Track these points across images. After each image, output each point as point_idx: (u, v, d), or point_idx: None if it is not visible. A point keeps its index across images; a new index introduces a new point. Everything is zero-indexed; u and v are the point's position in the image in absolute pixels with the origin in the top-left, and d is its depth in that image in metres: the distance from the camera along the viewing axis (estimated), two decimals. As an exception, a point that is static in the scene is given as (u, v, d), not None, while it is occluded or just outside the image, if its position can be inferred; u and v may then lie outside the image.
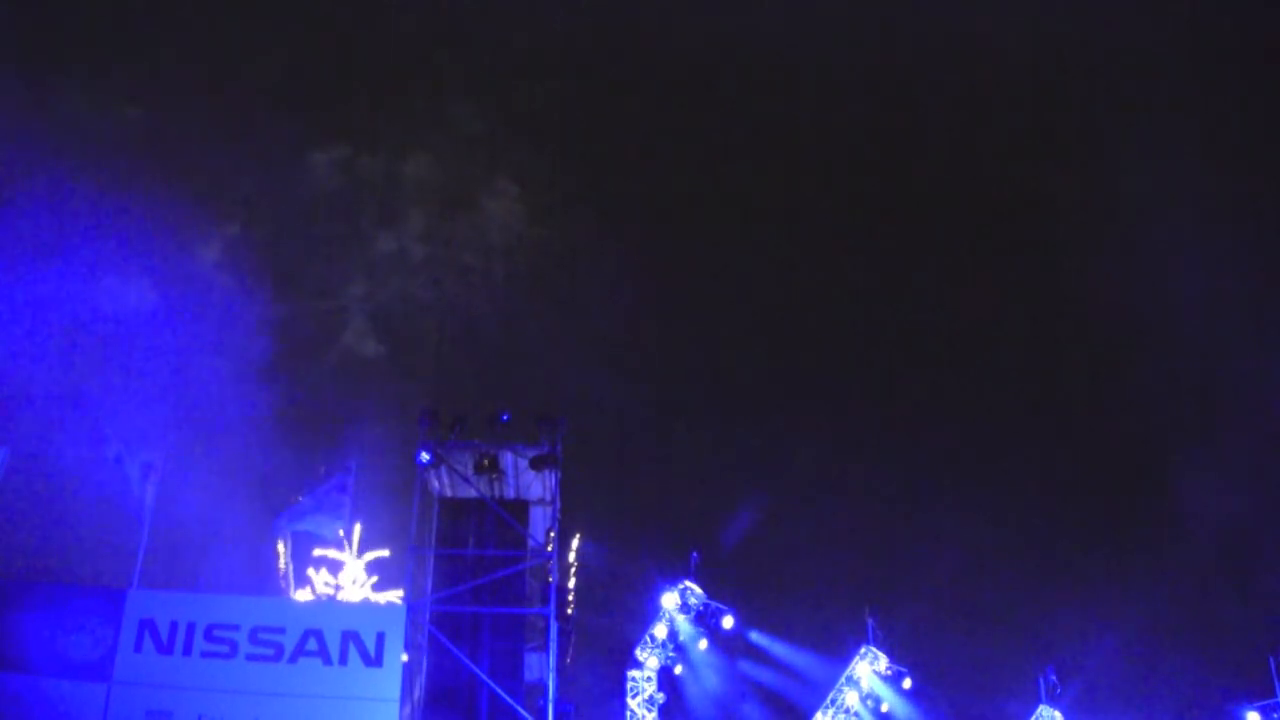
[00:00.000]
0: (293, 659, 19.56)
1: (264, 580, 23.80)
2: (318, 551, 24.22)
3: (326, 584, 24.17)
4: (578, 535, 22.43)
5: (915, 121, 41.13)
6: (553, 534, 21.63)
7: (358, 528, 24.30)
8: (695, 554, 25.81)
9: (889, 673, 25.99)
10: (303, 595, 23.74)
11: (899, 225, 40.05)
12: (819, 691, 26.43)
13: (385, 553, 24.65)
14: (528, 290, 38.89)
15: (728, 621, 25.44)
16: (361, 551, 24.75)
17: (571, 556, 22.21)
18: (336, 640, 19.68)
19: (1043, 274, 38.86)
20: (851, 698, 25.98)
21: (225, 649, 19.57)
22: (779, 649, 27.17)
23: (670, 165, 40.63)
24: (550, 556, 21.42)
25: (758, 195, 40.46)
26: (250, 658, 19.53)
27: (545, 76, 40.21)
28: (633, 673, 25.45)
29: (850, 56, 40.03)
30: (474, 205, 39.37)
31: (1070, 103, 40.04)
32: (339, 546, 24.35)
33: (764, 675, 27.29)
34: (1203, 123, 38.26)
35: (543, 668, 21.15)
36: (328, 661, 19.61)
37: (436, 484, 22.09)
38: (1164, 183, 37.37)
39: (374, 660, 19.65)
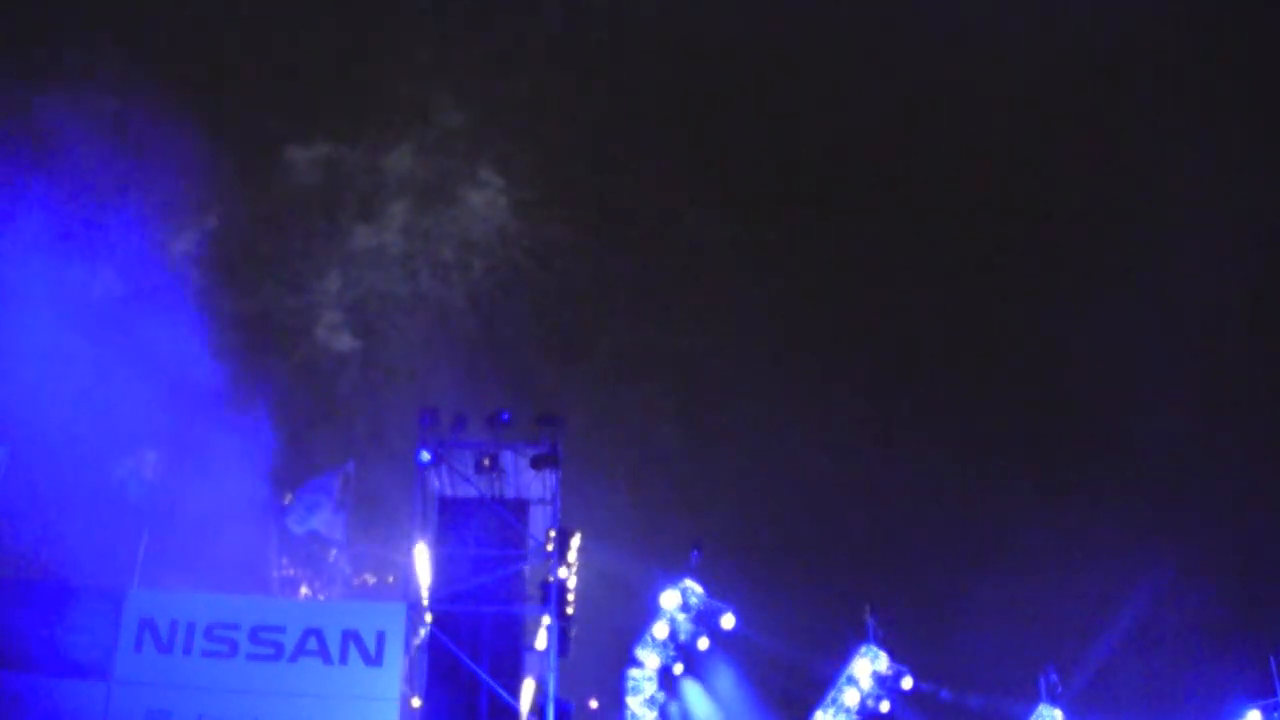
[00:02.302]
0: (293, 658, 19.58)
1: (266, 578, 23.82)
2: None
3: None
4: (578, 534, 22.43)
5: (912, 119, 41.12)
6: (553, 533, 21.65)
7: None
8: (696, 552, 25.80)
9: (889, 672, 25.99)
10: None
11: (898, 224, 40.07)
12: (819, 690, 26.42)
13: (371, 579, 24.66)
14: (527, 289, 38.84)
15: (728, 620, 25.43)
16: (355, 560, 24.68)
17: (572, 556, 22.21)
18: (337, 639, 19.70)
19: (1045, 275, 38.89)
20: (851, 696, 25.96)
21: (225, 648, 19.59)
22: (779, 647, 27.16)
23: (667, 161, 40.60)
24: (550, 556, 21.46)
25: (753, 192, 40.45)
26: (250, 657, 19.55)
27: (532, 69, 40.08)
28: (633, 672, 25.43)
29: (845, 53, 40.03)
30: (462, 200, 39.22)
31: (1075, 102, 40.03)
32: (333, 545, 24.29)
33: (764, 674, 27.28)
34: (1208, 120, 38.29)
35: (543, 667, 21.16)
36: (328, 661, 19.62)
37: (436, 483, 22.11)
38: (1166, 184, 37.47)
39: (374, 659, 19.67)
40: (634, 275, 39.16)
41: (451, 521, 21.94)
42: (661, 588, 25.56)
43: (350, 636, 19.72)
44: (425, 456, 21.34)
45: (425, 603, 20.99)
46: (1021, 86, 39.23)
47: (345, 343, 35.34)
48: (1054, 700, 26.18)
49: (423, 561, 21.20)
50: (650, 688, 25.19)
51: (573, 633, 22.82)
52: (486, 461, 21.65)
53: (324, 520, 23.39)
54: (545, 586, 21.36)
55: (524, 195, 39.35)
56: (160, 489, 21.56)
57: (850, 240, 39.57)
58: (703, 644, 25.75)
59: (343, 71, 38.57)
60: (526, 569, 21.66)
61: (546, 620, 21.25)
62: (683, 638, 25.66)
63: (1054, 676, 26.27)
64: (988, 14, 38.54)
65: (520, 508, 22.25)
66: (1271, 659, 24.35)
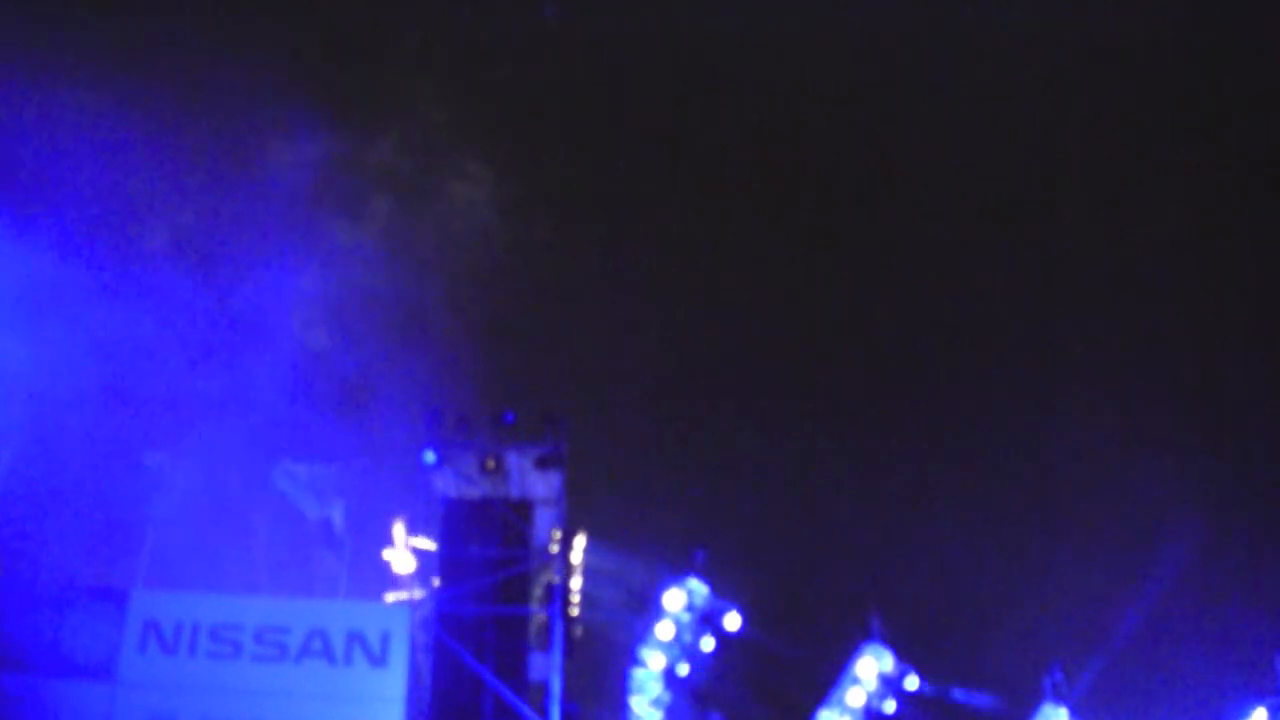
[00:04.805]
0: (298, 659, 19.61)
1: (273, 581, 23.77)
2: None
3: None
4: (582, 535, 22.44)
5: (910, 118, 41.09)
6: (557, 534, 21.66)
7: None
8: (700, 552, 25.73)
9: (894, 671, 25.96)
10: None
11: (898, 223, 40.05)
12: (823, 690, 26.38)
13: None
14: (522, 288, 38.70)
15: (733, 620, 25.39)
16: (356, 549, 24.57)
17: (577, 556, 22.22)
18: (341, 640, 19.74)
19: (1044, 274, 38.89)
20: (855, 696, 25.93)
21: (230, 649, 19.62)
22: (783, 647, 27.13)
23: (665, 160, 40.52)
24: (555, 557, 21.47)
25: (750, 190, 40.37)
26: (255, 658, 19.58)
27: (521, 60, 39.86)
28: (637, 671, 25.39)
29: (843, 50, 39.97)
30: (448, 196, 38.99)
31: (1073, 104, 40.02)
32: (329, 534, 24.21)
33: (768, 673, 27.24)
34: (1204, 121, 38.30)
35: (547, 668, 21.14)
36: (332, 662, 19.65)
37: (440, 484, 22.10)
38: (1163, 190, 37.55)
39: (379, 660, 19.69)
40: (631, 274, 39.10)
41: (456, 522, 21.93)
42: (666, 587, 25.52)
43: (355, 637, 19.75)
44: (430, 457, 21.36)
45: (429, 603, 21.01)
46: (1024, 85, 39.26)
47: (331, 341, 35.06)
48: (1059, 699, 26.15)
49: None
50: (656, 688, 25.15)
51: (577, 634, 22.84)
52: (491, 462, 21.67)
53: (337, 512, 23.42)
54: (550, 587, 21.39)
55: (513, 191, 39.19)
56: (164, 489, 21.52)
57: (850, 238, 39.54)
58: (707, 643, 25.70)
59: (325, 62, 38.31)
60: (531, 570, 21.66)
61: (550, 621, 21.24)
62: (687, 637, 25.61)
63: (1059, 675, 26.22)
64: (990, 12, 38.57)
65: (525, 508, 22.23)
66: (1277, 656, 24.32)
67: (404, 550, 22.58)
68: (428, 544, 21.98)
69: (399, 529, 22.49)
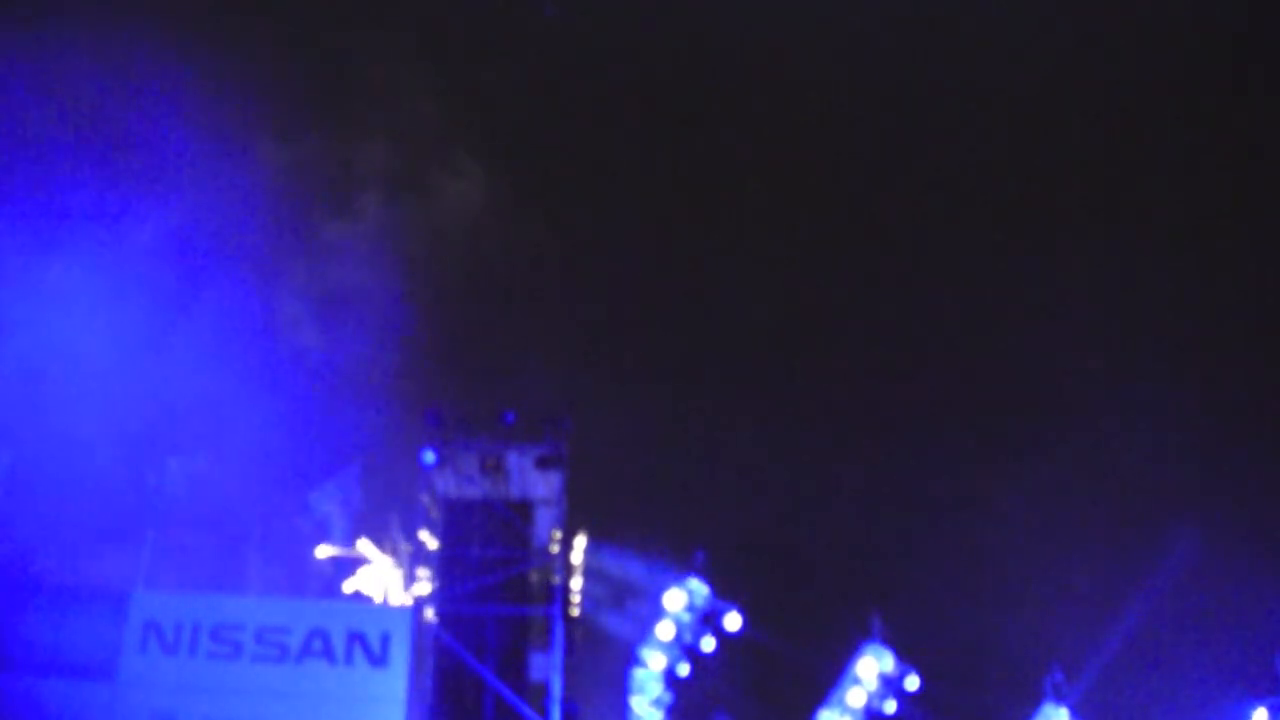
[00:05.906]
0: (298, 659, 19.65)
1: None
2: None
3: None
4: (582, 535, 22.45)
5: (911, 118, 41.07)
6: (557, 534, 21.67)
7: None
8: (700, 552, 25.75)
9: (894, 672, 25.97)
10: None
11: (898, 222, 40.05)
12: (823, 690, 26.39)
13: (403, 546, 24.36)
14: (528, 288, 38.68)
15: (733, 620, 25.39)
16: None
17: (577, 556, 22.24)
18: (342, 640, 19.78)
19: (1046, 274, 38.86)
20: (856, 696, 25.94)
21: (230, 649, 19.68)
22: (784, 647, 27.14)
23: (666, 160, 40.50)
24: (555, 557, 21.49)
25: (753, 189, 40.36)
26: (256, 658, 19.64)
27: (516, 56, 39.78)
28: (637, 672, 25.40)
29: (844, 50, 39.96)
30: (441, 194, 38.86)
31: (1073, 104, 40.04)
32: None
33: (768, 673, 27.24)
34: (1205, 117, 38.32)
35: (547, 668, 21.16)
36: (333, 662, 19.70)
37: (441, 484, 22.12)
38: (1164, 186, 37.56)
39: (379, 660, 19.72)
40: (632, 274, 39.08)
41: (456, 523, 21.97)
42: (666, 587, 25.53)
43: (356, 638, 19.79)
44: (430, 458, 21.39)
45: (429, 603, 21.04)
46: (1026, 85, 39.28)
47: (330, 342, 34.96)
48: (1059, 699, 26.16)
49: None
50: (656, 688, 25.16)
51: (577, 634, 22.87)
52: (491, 462, 21.71)
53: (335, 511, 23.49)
54: (550, 587, 21.41)
55: (513, 190, 39.08)
56: (167, 491, 21.55)
57: (850, 237, 39.54)
58: (708, 643, 25.71)
59: (324, 59, 38.16)
60: (531, 570, 21.69)
61: (550, 621, 21.26)
62: (688, 637, 25.62)
63: (1059, 676, 26.24)
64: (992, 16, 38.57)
65: (525, 508, 22.27)
66: (1277, 657, 24.35)
67: (392, 554, 22.66)
68: (406, 545, 22.08)
69: (392, 536, 22.57)
